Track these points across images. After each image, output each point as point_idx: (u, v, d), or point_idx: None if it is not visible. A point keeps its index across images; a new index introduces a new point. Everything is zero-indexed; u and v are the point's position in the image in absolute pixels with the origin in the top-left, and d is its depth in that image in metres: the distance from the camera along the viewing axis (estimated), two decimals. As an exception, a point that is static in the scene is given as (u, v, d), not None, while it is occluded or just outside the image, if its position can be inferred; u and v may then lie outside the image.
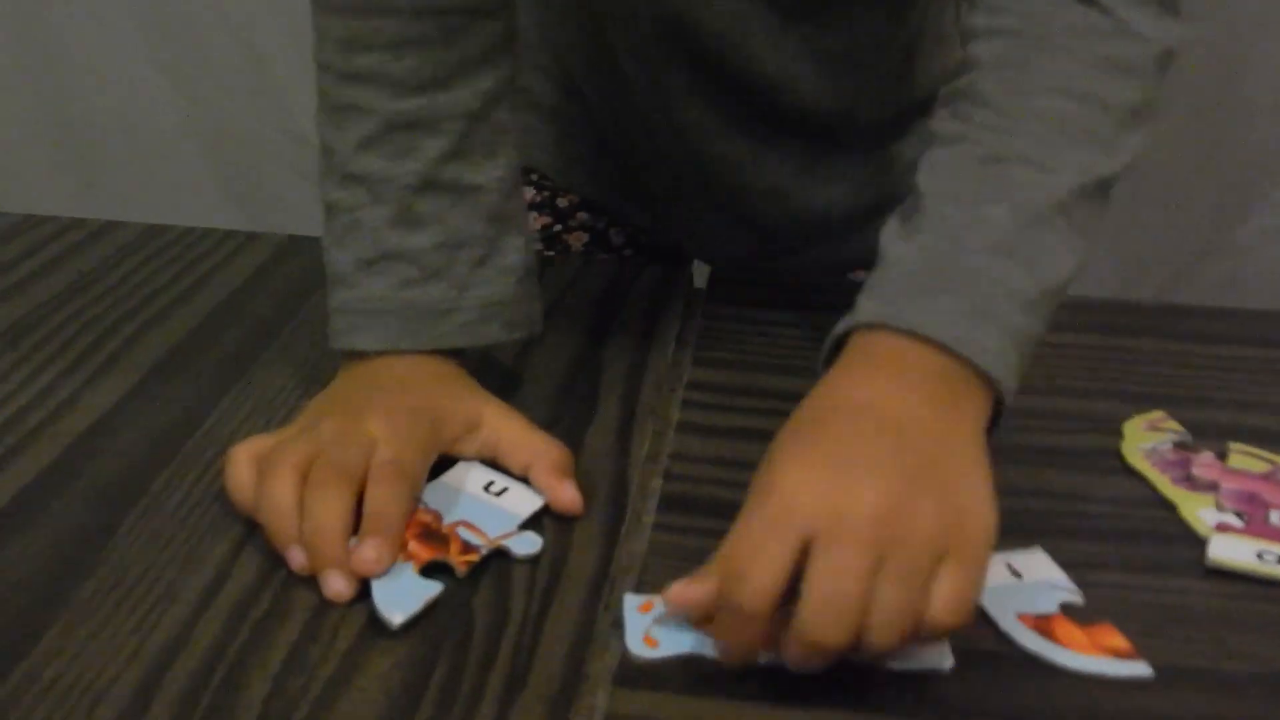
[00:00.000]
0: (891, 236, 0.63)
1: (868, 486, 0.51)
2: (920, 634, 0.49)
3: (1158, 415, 0.71)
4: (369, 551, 0.56)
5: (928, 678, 0.52)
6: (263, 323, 0.79)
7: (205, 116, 1.55)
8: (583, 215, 0.99)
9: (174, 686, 0.50)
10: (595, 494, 0.63)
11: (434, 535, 0.59)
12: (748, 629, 0.50)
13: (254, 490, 0.59)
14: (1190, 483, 0.65)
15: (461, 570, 0.57)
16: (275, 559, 0.58)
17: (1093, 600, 0.57)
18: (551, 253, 0.98)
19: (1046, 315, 0.61)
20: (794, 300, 0.84)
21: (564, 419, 0.69)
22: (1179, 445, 0.68)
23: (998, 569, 0.57)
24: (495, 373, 0.74)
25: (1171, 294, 1.58)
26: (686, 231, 0.95)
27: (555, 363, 0.75)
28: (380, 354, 0.66)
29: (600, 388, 0.73)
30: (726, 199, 0.89)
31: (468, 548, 0.58)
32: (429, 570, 0.57)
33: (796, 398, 0.71)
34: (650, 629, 0.54)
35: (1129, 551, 0.61)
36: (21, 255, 0.88)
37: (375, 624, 0.54)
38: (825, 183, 0.88)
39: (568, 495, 0.62)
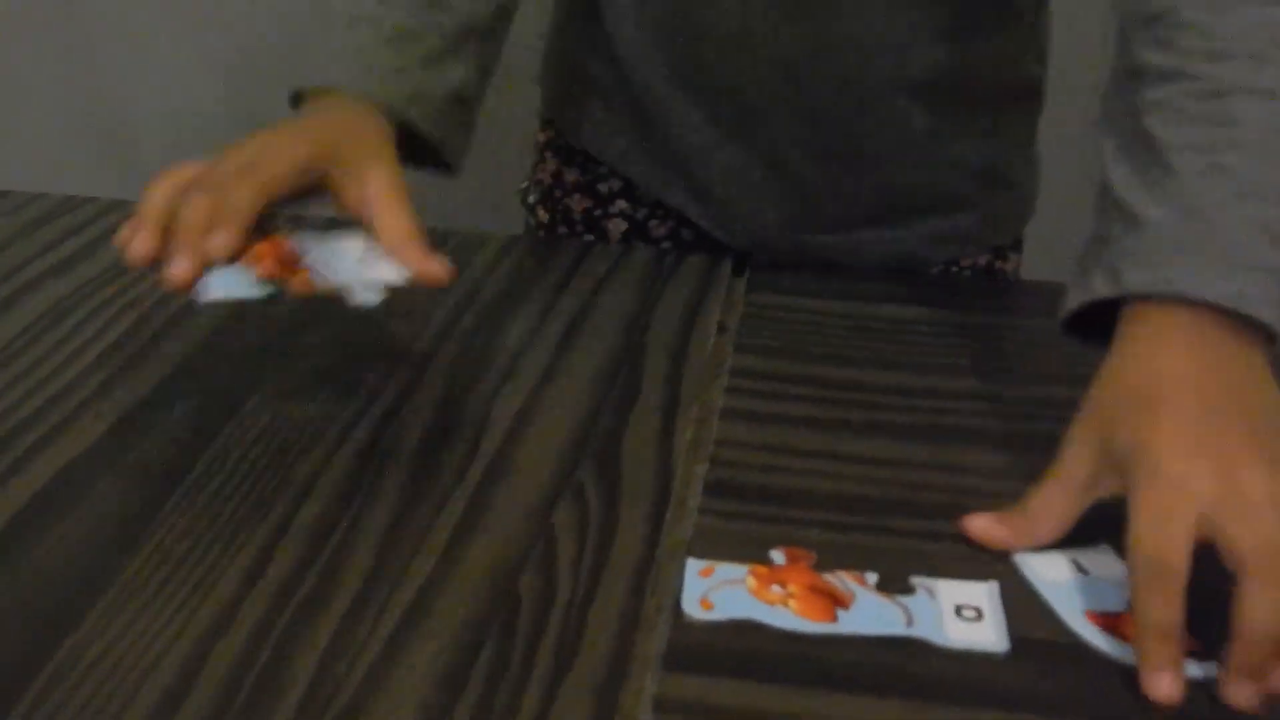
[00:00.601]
0: (1134, 192, 0.61)
1: (1244, 463, 0.53)
2: None
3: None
4: (216, 239, 0.62)
5: (978, 663, 0.52)
6: (304, 304, 0.79)
7: (242, 102, 1.55)
8: (623, 203, 0.98)
9: (219, 666, 0.50)
10: (640, 479, 0.62)
11: (286, 264, 0.64)
12: (1178, 599, 0.51)
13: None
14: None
15: (292, 291, 0.63)
16: (319, 540, 0.57)
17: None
18: (591, 236, 0.97)
19: None
20: (834, 289, 0.83)
21: (608, 405, 0.69)
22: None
23: (1063, 565, 0.57)
24: (539, 357, 0.73)
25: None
26: (725, 195, 0.93)
27: (598, 349, 0.75)
28: (326, 97, 0.73)
29: (643, 374, 0.72)
30: (768, 149, 0.88)
31: (310, 280, 0.63)
32: (268, 283, 0.63)
33: (838, 385, 0.72)
34: (709, 593, 0.54)
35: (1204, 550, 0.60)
36: (63, 236, 0.88)
37: (421, 606, 0.53)
38: (895, 147, 0.87)
39: (432, 267, 0.65)
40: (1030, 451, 0.65)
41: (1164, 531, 0.52)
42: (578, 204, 0.98)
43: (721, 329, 0.78)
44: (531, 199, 1.04)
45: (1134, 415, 0.56)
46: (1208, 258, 0.58)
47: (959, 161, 0.88)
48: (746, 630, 0.53)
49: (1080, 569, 0.57)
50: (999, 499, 0.61)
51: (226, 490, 0.61)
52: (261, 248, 0.64)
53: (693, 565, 0.56)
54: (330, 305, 0.77)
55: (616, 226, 0.99)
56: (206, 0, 1.54)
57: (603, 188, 0.98)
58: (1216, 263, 0.58)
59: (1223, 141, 0.60)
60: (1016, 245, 0.99)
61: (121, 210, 0.92)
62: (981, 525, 0.59)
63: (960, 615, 0.54)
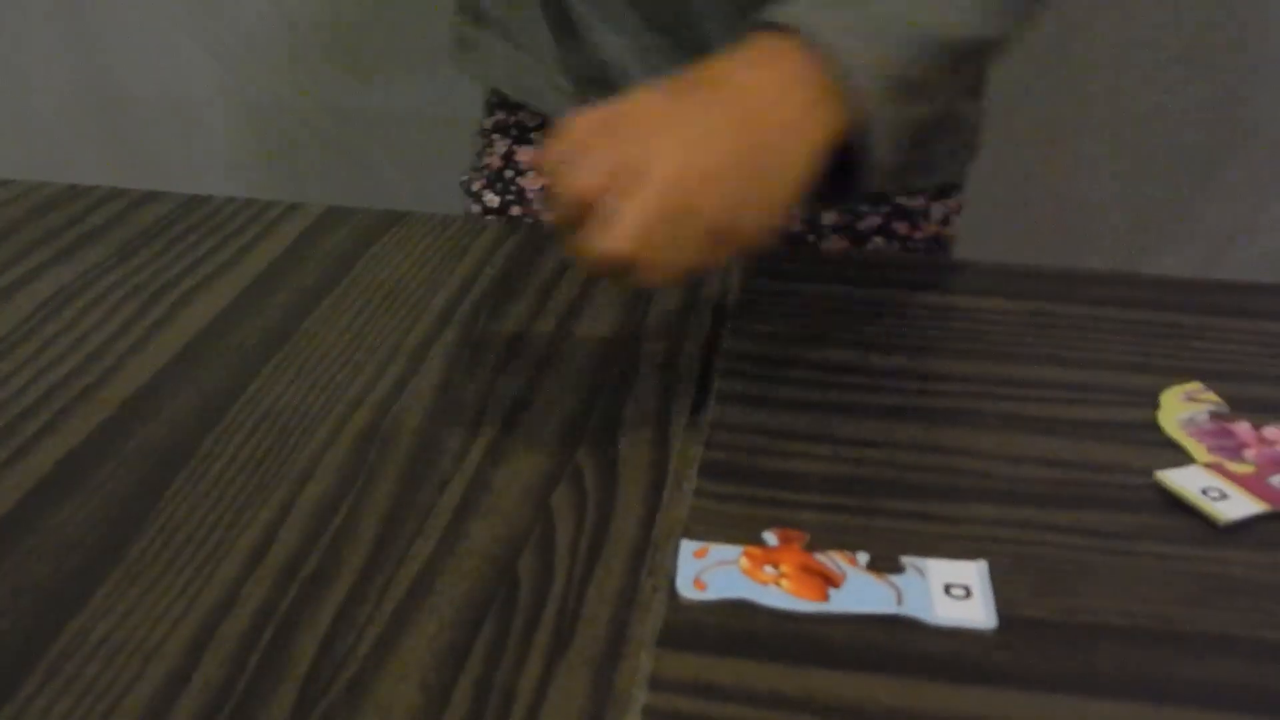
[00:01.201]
0: None
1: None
2: None
3: (1195, 387, 0.71)
4: None
5: (970, 639, 0.53)
6: (305, 291, 0.80)
7: (242, 88, 1.56)
8: None
9: (224, 645, 0.51)
10: (637, 461, 0.64)
11: None
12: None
13: None
14: (1226, 451, 0.65)
15: None
16: (322, 520, 0.58)
17: (1135, 569, 0.57)
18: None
19: (949, 76, 0.69)
20: (828, 273, 0.84)
21: (605, 389, 0.70)
22: (1215, 415, 0.68)
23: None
24: (534, 343, 0.74)
25: (1209, 270, 1.57)
26: None
27: (595, 334, 0.76)
28: None
29: (640, 359, 0.73)
30: None
31: None
32: None
33: (833, 368, 0.73)
34: (702, 573, 0.55)
35: (1169, 521, 0.61)
36: (65, 224, 0.89)
37: (422, 585, 0.55)
38: None
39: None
40: (1017, 431, 0.67)
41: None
42: (532, 181, 0.99)
43: (718, 315, 0.79)
44: (476, 186, 1.05)
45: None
46: (853, 16, 0.65)
47: None
48: (740, 610, 0.54)
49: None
50: (987, 478, 0.63)
51: (229, 473, 0.62)
52: None
53: (687, 546, 0.57)
54: (329, 292, 0.78)
55: None
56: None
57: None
58: (856, 23, 0.65)
59: None
60: (954, 189, 1.00)
61: (123, 198, 0.93)
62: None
63: (949, 594, 0.55)
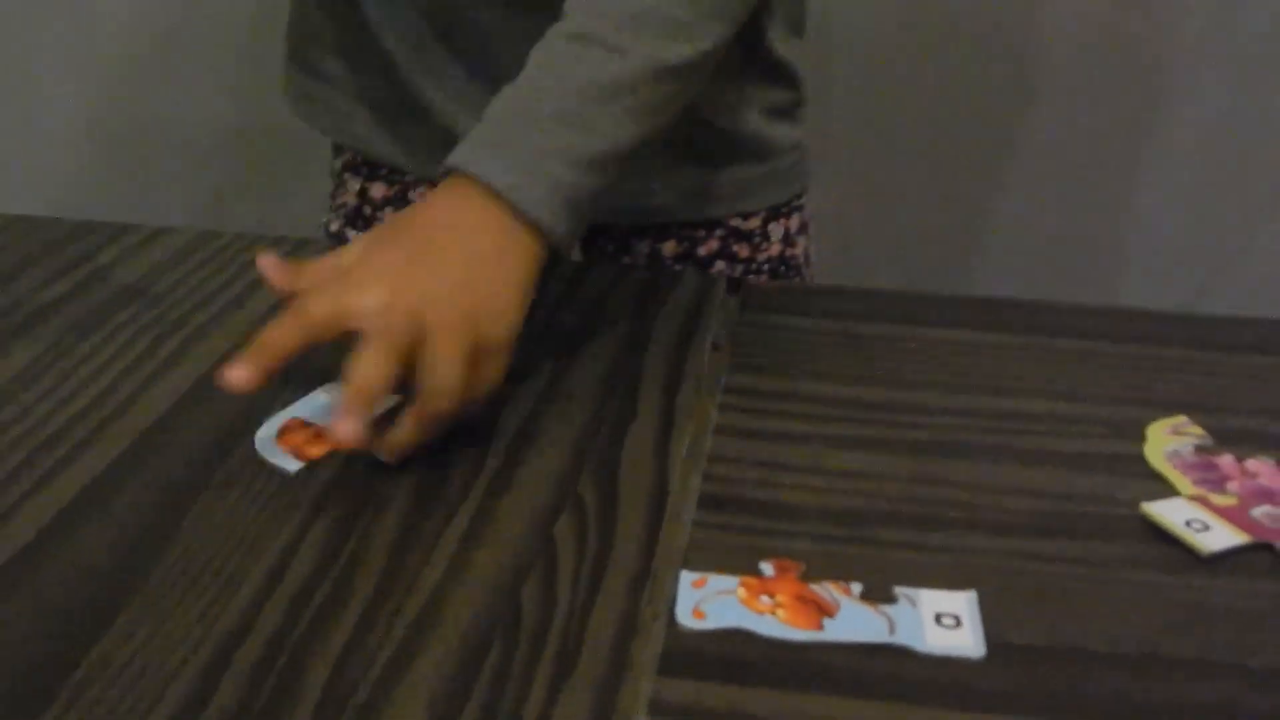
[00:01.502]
0: (498, 98, 0.75)
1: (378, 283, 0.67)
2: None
3: (1181, 420, 0.73)
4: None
5: (960, 665, 0.55)
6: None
7: (254, 122, 1.58)
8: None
9: (240, 669, 0.53)
10: (637, 492, 0.66)
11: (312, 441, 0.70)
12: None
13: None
14: (1209, 484, 0.67)
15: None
16: (334, 549, 0.60)
17: (1120, 597, 0.59)
18: None
19: (603, 176, 0.74)
20: (824, 307, 0.86)
21: (606, 421, 0.72)
22: (1199, 448, 0.70)
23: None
24: (538, 375, 0.76)
25: (1199, 299, 1.59)
26: None
27: (596, 366, 0.78)
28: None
29: (639, 391, 0.75)
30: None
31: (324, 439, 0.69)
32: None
33: (829, 401, 0.75)
34: (701, 603, 0.57)
35: (1153, 551, 0.63)
36: (79, 259, 0.91)
37: (431, 612, 0.57)
38: None
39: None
40: (1007, 463, 0.69)
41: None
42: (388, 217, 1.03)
43: (715, 347, 0.81)
44: (334, 227, 1.07)
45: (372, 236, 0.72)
46: (513, 155, 0.72)
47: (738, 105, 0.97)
48: (737, 637, 0.56)
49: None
50: (976, 509, 0.65)
51: (243, 503, 0.64)
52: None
53: (686, 577, 0.59)
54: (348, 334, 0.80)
55: None
56: (219, 21, 1.56)
57: (413, 195, 1.03)
58: (518, 161, 0.72)
59: (567, 71, 0.74)
60: (791, 210, 1.05)
61: (135, 233, 0.95)
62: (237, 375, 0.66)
63: (940, 623, 0.57)
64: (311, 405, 0.72)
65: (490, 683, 0.53)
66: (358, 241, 0.72)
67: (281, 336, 0.67)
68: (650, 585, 0.59)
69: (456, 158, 0.73)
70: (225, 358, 0.76)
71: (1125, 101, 1.55)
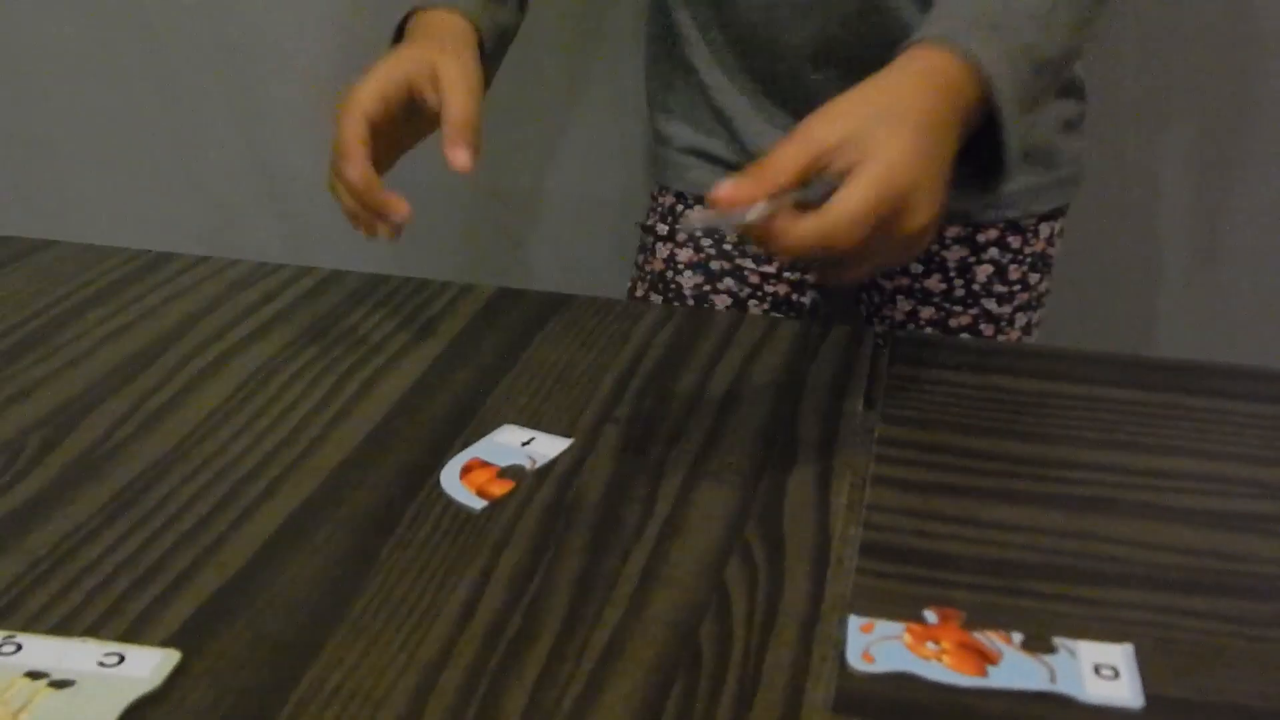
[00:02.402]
0: None
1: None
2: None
3: (1328, 483, 0.75)
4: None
5: (1117, 717, 0.57)
6: (485, 369, 0.87)
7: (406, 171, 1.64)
8: (730, 282, 1.09)
9: (444, 696, 0.58)
10: (801, 539, 0.69)
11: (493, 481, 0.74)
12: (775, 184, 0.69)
13: None
14: (1361, 548, 0.69)
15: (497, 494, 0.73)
16: (520, 585, 0.65)
17: (1268, 654, 0.61)
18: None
19: (1045, 82, 0.80)
20: (971, 361, 0.89)
21: (768, 469, 0.76)
22: (1349, 512, 0.72)
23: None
24: (702, 422, 0.80)
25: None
26: None
27: (755, 416, 0.82)
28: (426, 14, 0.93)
29: (799, 442, 0.79)
30: None
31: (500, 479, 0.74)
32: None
33: (980, 455, 0.78)
34: (869, 647, 0.61)
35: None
36: (261, 301, 0.97)
37: (615, 648, 0.61)
38: None
39: (455, 159, 0.82)
40: (1156, 520, 0.71)
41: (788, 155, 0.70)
42: (689, 281, 1.10)
43: (869, 402, 0.84)
44: (640, 291, 1.14)
45: (870, 122, 0.71)
46: (993, 36, 0.76)
47: None
48: (905, 682, 0.59)
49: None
50: (1128, 563, 0.67)
51: (434, 539, 0.69)
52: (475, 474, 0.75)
53: (854, 622, 0.63)
54: (507, 371, 0.85)
55: (722, 301, 1.08)
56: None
57: (715, 266, 1.09)
58: (995, 45, 0.76)
59: None
60: (1059, 213, 1.13)
61: (310, 276, 1.01)
62: (726, 188, 0.69)
63: (1099, 674, 0.60)
64: (490, 446, 0.77)
65: (675, 717, 0.56)
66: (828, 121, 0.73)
67: (786, 158, 0.71)
68: (819, 629, 0.63)
69: (935, 29, 0.77)
70: (405, 399, 0.82)
71: None
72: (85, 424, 0.80)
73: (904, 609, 0.64)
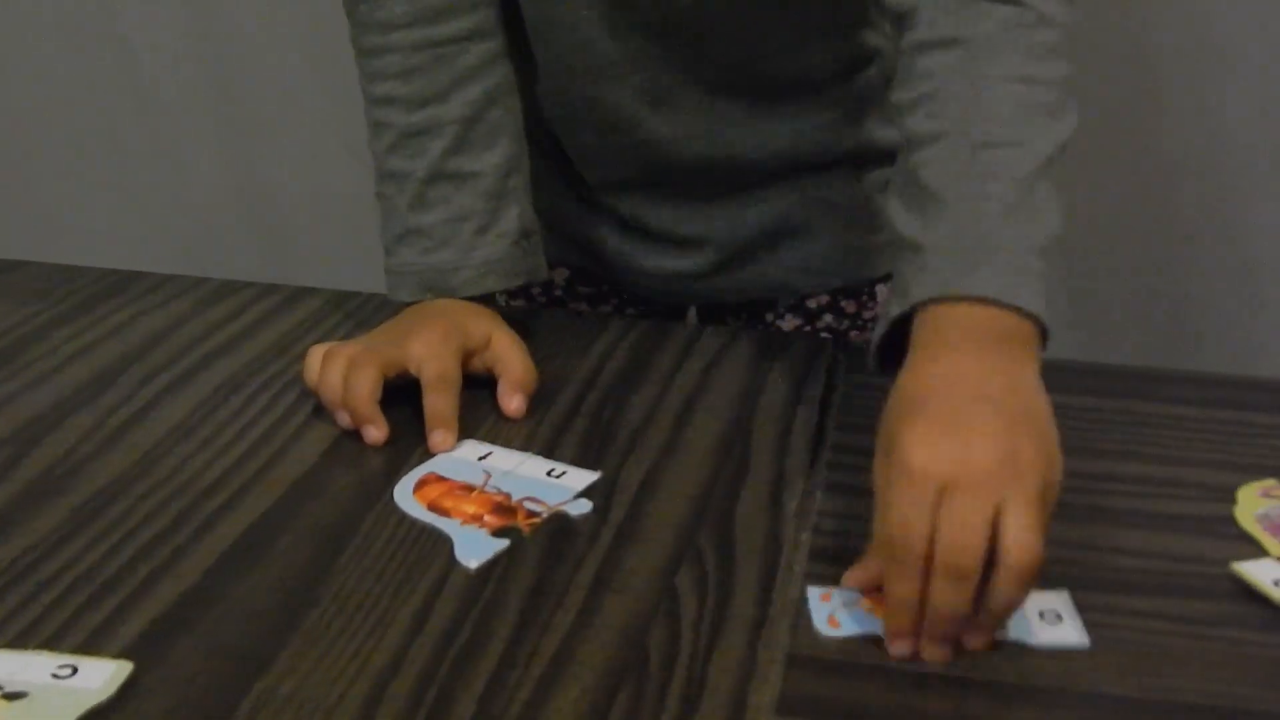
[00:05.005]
0: (914, 228, 0.73)
1: (979, 441, 0.61)
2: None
3: (1271, 483, 0.76)
4: (437, 438, 0.79)
5: (1059, 709, 0.59)
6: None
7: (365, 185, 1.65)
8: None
9: (393, 704, 0.58)
10: (752, 546, 0.70)
11: (504, 509, 0.73)
12: (914, 578, 0.59)
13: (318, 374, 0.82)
14: (1302, 547, 0.70)
15: (526, 531, 0.71)
16: (475, 592, 0.66)
17: (1211, 652, 0.63)
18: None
19: (1053, 257, 0.72)
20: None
21: (722, 477, 0.77)
22: (1292, 512, 0.74)
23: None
24: (657, 433, 0.81)
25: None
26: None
27: (712, 426, 0.83)
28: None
29: (752, 449, 0.80)
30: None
31: (531, 514, 0.73)
32: (500, 533, 0.71)
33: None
34: (834, 613, 0.64)
35: (1243, 610, 0.66)
36: (226, 318, 0.98)
37: (564, 654, 0.61)
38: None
39: (511, 405, 0.84)
40: (1100, 523, 0.72)
41: (904, 516, 0.60)
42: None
43: (824, 410, 0.85)
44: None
45: (900, 421, 0.64)
46: (980, 263, 0.70)
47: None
48: (851, 682, 0.60)
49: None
50: (1074, 565, 0.68)
51: (390, 549, 0.70)
52: (478, 506, 0.74)
53: (813, 591, 0.66)
54: (476, 390, 0.85)
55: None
56: (350, 85, 1.64)
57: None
58: (986, 265, 0.70)
59: (990, 177, 0.72)
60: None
61: (277, 294, 1.02)
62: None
63: (1043, 618, 0.64)
64: (447, 461, 0.78)
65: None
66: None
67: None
68: (767, 632, 0.63)
69: (930, 289, 0.70)
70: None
71: None
72: (49, 440, 0.81)
73: (852, 613, 0.65)
